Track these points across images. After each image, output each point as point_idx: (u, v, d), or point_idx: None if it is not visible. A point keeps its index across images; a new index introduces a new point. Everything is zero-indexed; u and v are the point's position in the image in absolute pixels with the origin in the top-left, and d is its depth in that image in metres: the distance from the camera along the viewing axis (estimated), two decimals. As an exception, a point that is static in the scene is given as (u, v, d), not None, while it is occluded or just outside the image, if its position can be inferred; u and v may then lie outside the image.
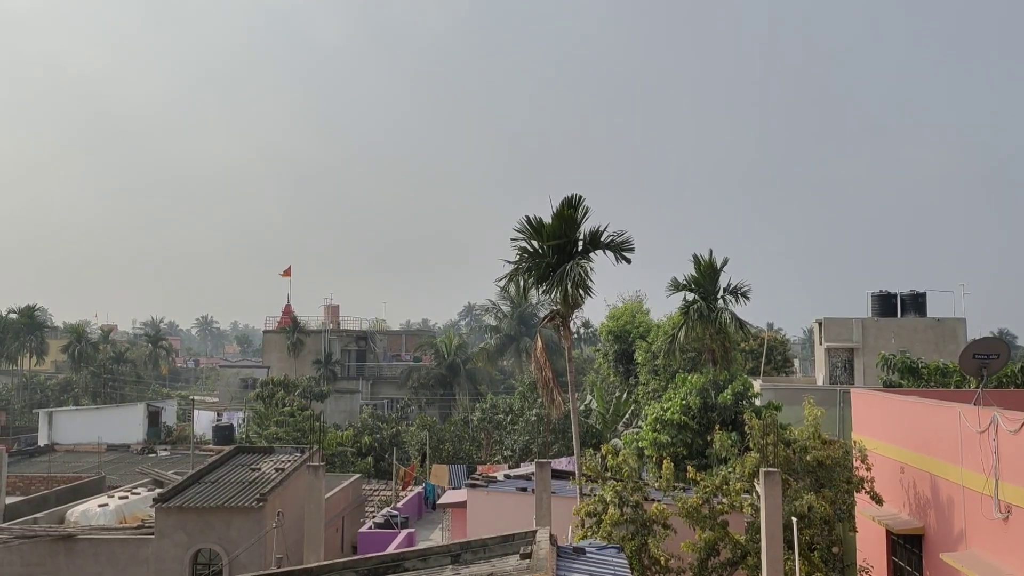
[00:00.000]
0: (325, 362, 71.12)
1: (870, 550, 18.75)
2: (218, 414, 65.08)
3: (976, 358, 16.62)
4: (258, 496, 22.45)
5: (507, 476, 29.04)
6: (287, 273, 77.57)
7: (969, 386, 20.54)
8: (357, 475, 36.64)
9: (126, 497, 27.47)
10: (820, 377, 39.10)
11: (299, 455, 27.88)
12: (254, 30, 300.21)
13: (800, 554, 15.39)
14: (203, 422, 61.08)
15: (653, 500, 18.66)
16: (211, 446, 50.66)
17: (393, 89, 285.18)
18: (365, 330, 79.94)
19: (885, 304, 39.26)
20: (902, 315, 38.93)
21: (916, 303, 38.97)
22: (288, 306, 77.25)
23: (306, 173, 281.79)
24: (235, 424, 57.92)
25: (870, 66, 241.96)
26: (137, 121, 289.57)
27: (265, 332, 78.66)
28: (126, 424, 57.83)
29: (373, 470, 46.76)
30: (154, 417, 61.82)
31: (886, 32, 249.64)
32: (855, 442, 18.89)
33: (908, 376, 27.10)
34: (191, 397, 70.91)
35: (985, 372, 16.60)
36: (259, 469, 25.81)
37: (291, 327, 73.24)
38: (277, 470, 25.45)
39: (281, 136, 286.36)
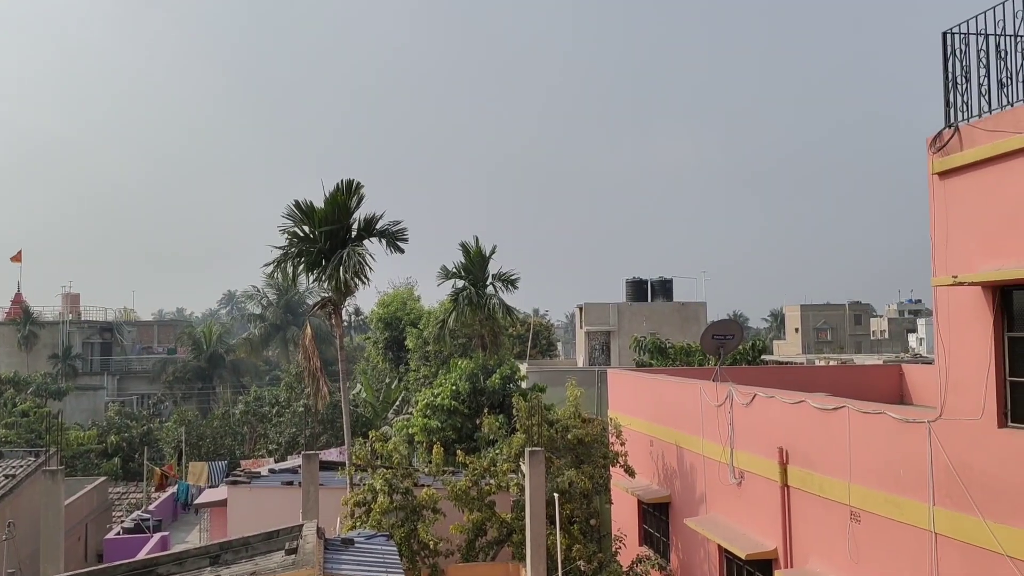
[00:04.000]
0: (64, 356, 65.34)
1: (624, 519, 20.07)
2: (-68, 418, 57.26)
3: (715, 338, 18.25)
4: (-18, 507, 20.10)
5: (272, 471, 27.97)
6: (17, 258, 69.62)
7: (709, 364, 22.52)
8: (103, 478, 33.94)
9: None
10: (581, 359, 41.39)
11: (33, 459, 25.43)
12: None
13: (561, 528, 16.13)
14: (-88, 428, 53.50)
15: (423, 486, 18.77)
16: (-77, 454, 44.61)
17: (143, 52, 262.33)
18: (111, 320, 73.80)
19: (637, 289, 42.32)
20: (652, 300, 42.13)
21: (664, 288, 42.36)
22: (19, 295, 69.64)
23: (37, 145, 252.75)
24: (-46, 428, 51.32)
25: (630, 68, 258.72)
26: None
27: (-9, 324, 70.44)
28: None
29: (121, 472, 43.62)
30: None
31: (648, 39, 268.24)
32: (611, 419, 20.10)
33: (657, 356, 29.34)
34: None
35: (722, 351, 18.27)
36: (-16, 477, 23.13)
37: (22, 318, 66.40)
38: (6, 476, 23.13)
39: (8, 103, 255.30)
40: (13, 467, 24.46)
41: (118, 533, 30.90)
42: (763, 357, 31.39)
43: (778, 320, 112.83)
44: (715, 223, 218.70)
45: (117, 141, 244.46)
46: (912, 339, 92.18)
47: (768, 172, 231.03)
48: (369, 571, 9.82)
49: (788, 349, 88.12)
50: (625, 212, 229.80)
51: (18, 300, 69.07)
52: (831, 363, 40.88)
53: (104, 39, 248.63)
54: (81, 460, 42.21)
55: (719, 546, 14.96)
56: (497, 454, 19.07)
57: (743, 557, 13.67)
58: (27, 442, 38.73)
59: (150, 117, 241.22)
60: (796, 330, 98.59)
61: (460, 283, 30.41)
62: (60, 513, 17.93)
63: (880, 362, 37.01)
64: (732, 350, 19.80)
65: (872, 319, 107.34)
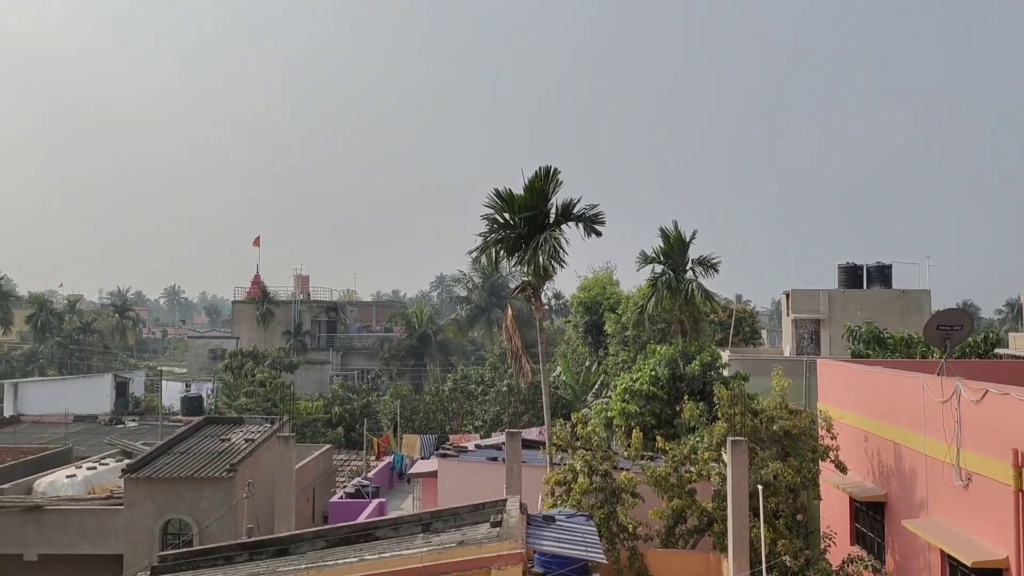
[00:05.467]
0: (295, 333, 70.86)
1: (834, 517, 19.13)
2: (186, 385, 64.69)
3: (940, 329, 16.86)
4: (228, 466, 22.37)
5: (478, 446, 29.14)
6: (256, 243, 76.90)
7: (933, 356, 20.89)
8: (328, 445, 36.65)
9: (94, 468, 27.22)
10: (787, 348, 39.65)
11: (269, 426, 27.76)
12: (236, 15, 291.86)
13: (765, 521, 15.66)
14: (172, 393, 60.73)
15: (622, 469, 18.87)
16: (180, 417, 50.42)
17: (374, 62, 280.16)
18: (335, 301, 79.56)
19: (851, 276, 39.81)
20: (868, 287, 39.51)
21: (882, 275, 39.55)
22: (257, 276, 76.75)
23: (278, 144, 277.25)
24: (204, 395, 57.69)
25: (833, 46, 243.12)
26: (110, 95, 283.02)
27: (234, 303, 77.97)
28: (93, 395, 57.40)
29: (344, 440, 46.82)
30: (122, 388, 61.46)
31: (842, 13, 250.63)
32: (821, 412, 19.19)
33: (874, 346, 27.54)
34: (159, 368, 70.47)
35: (949, 343, 16.85)
36: (229, 440, 25.69)
37: (260, 297, 72.79)
38: (247, 440, 25.35)
39: (254, 107, 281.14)
40: (252, 432, 26.68)
41: (341, 497, 33.31)
42: (997, 351, 28.62)
43: (1015, 310, 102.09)
44: (938, 206, 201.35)
45: (343, 139, 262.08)
46: None
47: (1000, 151, 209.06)
48: (570, 548, 10.06)
49: (1028, 342, 79.46)
50: (835, 196, 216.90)
51: (257, 281, 76.02)
52: (1081, 359, 36.55)
53: (322, 41, 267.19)
54: (309, 428, 45.49)
55: (941, 551, 13.94)
56: (698, 442, 18.78)
57: (969, 564, 12.66)
58: (264, 410, 42.56)
59: (373, 114, 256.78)
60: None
61: (659, 268, 30.02)
62: (291, 476, 19.73)
63: None
64: (960, 342, 18.20)
65: None
